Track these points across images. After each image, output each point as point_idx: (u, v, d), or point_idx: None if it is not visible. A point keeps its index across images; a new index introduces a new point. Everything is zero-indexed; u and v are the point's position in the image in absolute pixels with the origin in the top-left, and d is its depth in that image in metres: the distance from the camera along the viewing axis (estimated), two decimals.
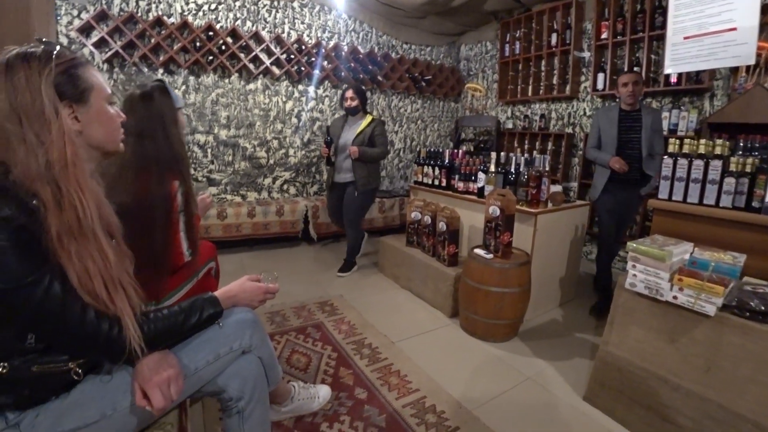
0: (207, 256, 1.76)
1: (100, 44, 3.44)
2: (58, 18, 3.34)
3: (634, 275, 1.61)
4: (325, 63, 4.50)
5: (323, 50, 4.44)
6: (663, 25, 3.11)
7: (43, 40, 0.85)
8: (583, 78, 4.05)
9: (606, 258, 2.93)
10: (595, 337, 2.47)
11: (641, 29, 3.34)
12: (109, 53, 3.44)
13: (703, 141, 1.77)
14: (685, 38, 2.81)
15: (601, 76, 3.71)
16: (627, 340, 1.69)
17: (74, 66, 0.85)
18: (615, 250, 3.02)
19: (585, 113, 4.04)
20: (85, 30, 3.39)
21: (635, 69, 3.26)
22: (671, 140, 1.91)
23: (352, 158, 3.18)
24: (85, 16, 3.38)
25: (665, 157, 1.85)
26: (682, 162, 1.79)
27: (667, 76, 3.19)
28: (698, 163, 1.73)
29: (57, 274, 0.79)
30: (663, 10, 3.13)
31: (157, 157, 1.41)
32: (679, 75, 3.12)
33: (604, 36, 3.65)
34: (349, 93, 3.27)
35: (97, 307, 0.83)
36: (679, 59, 2.88)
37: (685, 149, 1.84)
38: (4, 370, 0.80)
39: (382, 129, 3.32)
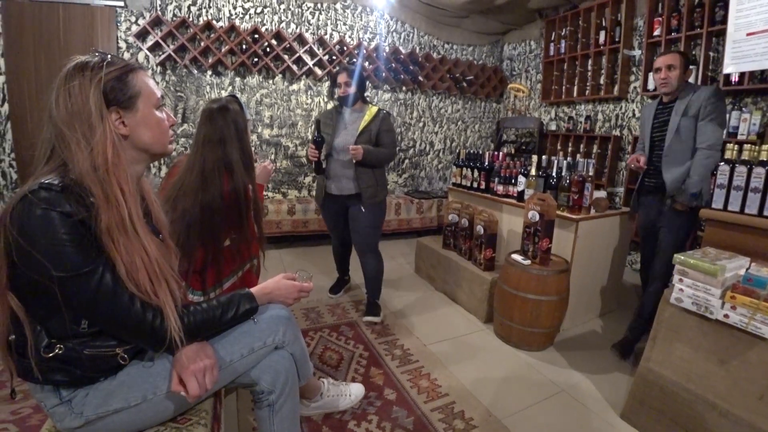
0: (255, 252, 1.86)
1: (155, 48, 3.65)
2: (118, 24, 3.58)
3: (681, 290, 1.52)
4: (367, 63, 4.54)
5: (364, 51, 4.49)
6: (724, 20, 2.90)
7: (98, 50, 0.92)
8: (632, 78, 3.86)
9: (647, 287, 2.39)
10: (636, 352, 2.35)
11: (699, 25, 3.13)
12: (163, 56, 3.65)
13: (765, 147, 1.64)
14: (749, 34, 2.61)
15: (652, 75, 3.51)
16: (671, 359, 1.60)
17: (124, 73, 0.91)
18: (659, 279, 2.27)
19: (634, 115, 3.84)
20: (142, 35, 3.61)
21: (674, 48, 2.76)
22: (729, 145, 1.78)
23: (354, 161, 2.40)
24: (141, 22, 3.60)
25: (722, 163, 1.73)
26: (741, 169, 1.66)
27: (727, 76, 2.97)
28: (759, 171, 1.61)
29: (108, 266, 0.85)
30: (724, 4, 2.92)
31: (235, 160, 1.61)
32: (741, 74, 2.89)
33: (656, 33, 3.45)
34: (343, 77, 2.43)
35: (142, 298, 0.89)
36: (741, 57, 2.68)
37: (745, 155, 1.71)
38: (60, 351, 0.87)
39: (390, 124, 2.53)
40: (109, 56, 0.91)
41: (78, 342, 0.89)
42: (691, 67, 2.13)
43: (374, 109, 2.51)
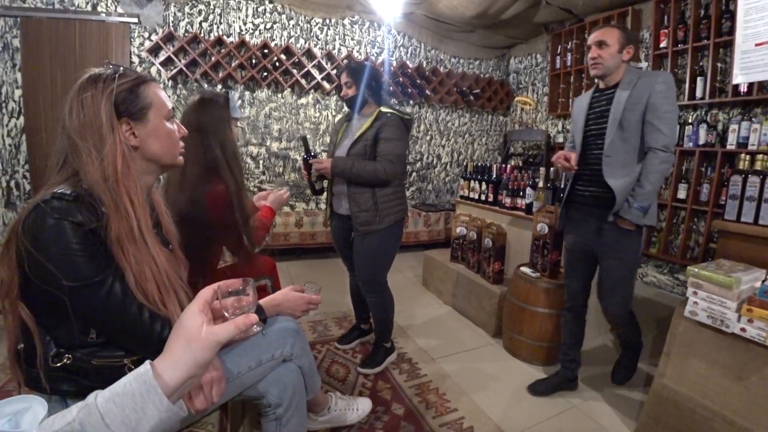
0: (263, 272, 1.82)
1: (167, 63, 3.73)
2: (132, 39, 3.67)
3: (695, 303, 1.49)
4: None
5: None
6: (731, 31, 2.89)
7: (112, 63, 0.94)
8: None
9: (573, 323, 2.04)
10: (649, 367, 2.30)
11: (706, 36, 3.12)
12: (174, 71, 3.72)
13: None
14: (758, 44, 2.60)
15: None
16: (686, 374, 1.56)
17: (135, 85, 0.92)
18: (583, 313, 2.07)
19: None
20: (154, 50, 3.70)
21: (612, 23, 2.03)
22: (741, 155, 1.76)
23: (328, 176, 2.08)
24: (154, 37, 3.68)
25: (733, 174, 1.71)
26: (754, 180, 1.64)
27: (736, 86, 2.96)
28: None
29: (118, 276, 0.85)
30: (731, 15, 2.92)
31: (217, 159, 1.49)
32: (750, 84, 2.88)
33: (663, 45, 3.46)
34: (344, 76, 2.06)
35: (151, 308, 0.89)
36: (750, 67, 2.67)
37: (757, 165, 1.69)
38: (69, 361, 0.87)
39: (392, 129, 1.95)
40: (121, 68, 0.92)
41: (86, 352, 0.88)
42: (630, 46, 1.76)
43: (378, 112, 2.00)
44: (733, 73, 2.46)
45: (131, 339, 0.90)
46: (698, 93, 3.19)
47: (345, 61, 4.39)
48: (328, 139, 4.47)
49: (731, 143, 2.95)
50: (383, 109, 1.99)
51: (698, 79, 3.18)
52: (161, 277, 0.91)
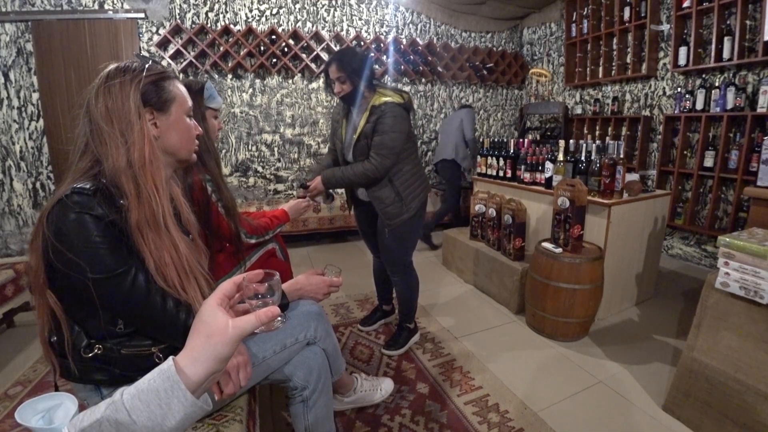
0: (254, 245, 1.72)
1: (176, 56, 3.74)
2: (141, 35, 3.67)
3: (727, 273, 1.44)
4: (384, 57, 4.51)
5: (381, 45, 4.46)
6: None
7: (140, 55, 0.95)
8: (661, 54, 3.68)
9: None
10: (676, 341, 2.26)
11: None
12: (184, 63, 3.73)
13: None
14: None
15: (683, 50, 3.34)
16: (718, 347, 1.52)
17: (162, 79, 0.94)
18: None
19: (664, 93, 3.67)
20: (163, 44, 3.70)
21: None
22: None
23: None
24: (162, 31, 3.68)
25: (765, 138, 1.63)
26: None
27: (767, 44, 2.79)
28: None
29: (141, 266, 0.87)
30: None
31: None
32: None
33: (686, 4, 3.28)
34: (333, 72, 1.83)
35: (172, 294, 0.91)
36: None
37: None
38: (99, 351, 0.90)
39: (388, 123, 1.79)
40: (150, 62, 0.94)
41: (115, 342, 0.91)
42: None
43: (372, 105, 1.85)
44: (765, 29, 2.31)
45: (157, 328, 0.92)
46: (725, 54, 3.03)
47: (353, 42, 4.30)
48: None
49: (762, 106, 2.81)
50: (376, 102, 1.83)
51: (725, 39, 3.02)
52: (181, 263, 0.93)
